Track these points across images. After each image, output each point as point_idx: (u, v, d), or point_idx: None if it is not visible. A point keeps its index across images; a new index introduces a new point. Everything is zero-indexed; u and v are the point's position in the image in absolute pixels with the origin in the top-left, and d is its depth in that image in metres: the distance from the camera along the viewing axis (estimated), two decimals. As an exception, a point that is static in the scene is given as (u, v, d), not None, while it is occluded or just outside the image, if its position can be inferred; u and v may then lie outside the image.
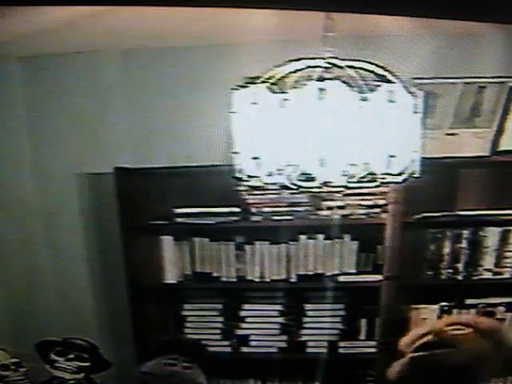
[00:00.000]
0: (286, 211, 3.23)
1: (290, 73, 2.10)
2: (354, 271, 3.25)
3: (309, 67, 2.10)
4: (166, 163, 3.16)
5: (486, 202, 3.15)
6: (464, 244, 3.19)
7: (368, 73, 2.09)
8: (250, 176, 2.17)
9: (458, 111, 3.10)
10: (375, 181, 2.14)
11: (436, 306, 3.21)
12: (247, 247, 3.30)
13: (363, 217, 3.19)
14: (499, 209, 3.11)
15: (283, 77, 2.10)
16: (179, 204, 3.26)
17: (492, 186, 3.16)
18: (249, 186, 2.24)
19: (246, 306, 3.35)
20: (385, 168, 2.09)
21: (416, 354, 1.40)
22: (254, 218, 3.25)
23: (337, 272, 3.26)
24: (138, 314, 3.31)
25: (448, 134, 3.10)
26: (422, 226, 3.17)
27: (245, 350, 3.35)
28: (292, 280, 3.29)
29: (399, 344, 1.54)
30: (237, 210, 3.24)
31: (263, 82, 2.11)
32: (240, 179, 2.20)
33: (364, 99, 2.03)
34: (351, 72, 2.07)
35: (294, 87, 2.07)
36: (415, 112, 2.11)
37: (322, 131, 2.04)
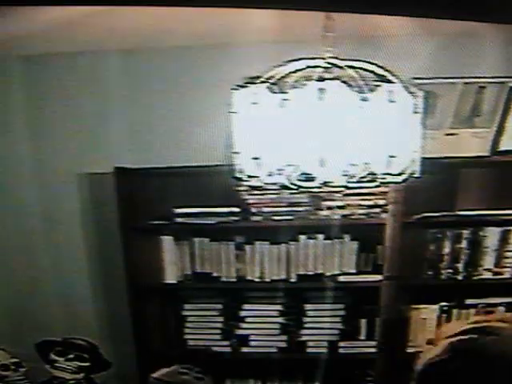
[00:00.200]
0: (285, 211, 3.23)
1: (290, 73, 2.10)
2: (354, 271, 3.25)
3: (309, 67, 2.10)
4: (166, 163, 3.16)
5: (486, 202, 3.15)
6: (464, 244, 3.19)
7: (368, 73, 2.09)
8: (250, 176, 2.16)
9: (458, 111, 3.10)
10: (375, 181, 2.14)
11: (436, 306, 3.21)
12: (247, 247, 3.30)
13: (363, 217, 3.19)
14: (499, 209, 3.11)
15: (283, 77, 2.10)
16: (179, 204, 3.26)
17: (492, 186, 3.16)
18: (249, 185, 2.24)
19: (246, 306, 3.35)
20: (385, 168, 2.09)
21: (458, 338, 1.37)
22: (254, 218, 3.25)
23: (337, 272, 3.25)
24: (137, 314, 3.31)
25: (448, 134, 3.10)
26: (422, 225, 3.17)
27: (245, 350, 3.35)
28: (292, 280, 3.28)
29: (437, 337, 1.51)
30: (237, 209, 3.24)
31: (263, 82, 2.11)
32: (240, 179, 2.20)
33: (364, 99, 2.03)
34: (351, 72, 2.06)
35: (294, 87, 2.07)
36: (415, 112, 2.11)
37: (322, 131, 2.04)
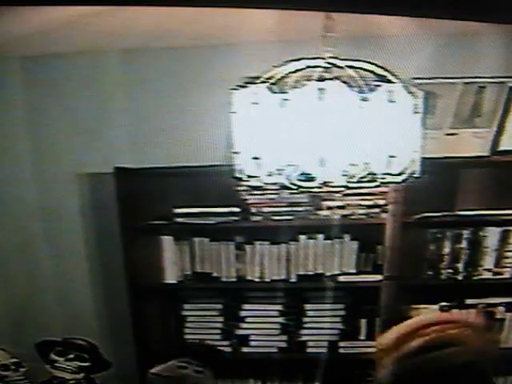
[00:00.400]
0: (285, 211, 3.23)
1: (290, 73, 2.10)
2: (354, 271, 3.25)
3: (309, 67, 2.10)
4: (166, 163, 3.16)
5: (485, 202, 3.15)
6: (464, 244, 3.19)
7: (368, 73, 2.09)
8: (250, 176, 2.16)
9: (458, 111, 3.10)
10: (375, 181, 2.14)
11: (436, 306, 3.21)
12: (247, 247, 3.30)
13: (363, 217, 3.19)
14: (499, 209, 3.11)
15: (283, 77, 2.10)
16: (179, 204, 3.26)
17: (492, 185, 3.16)
18: (249, 185, 2.24)
19: (246, 306, 3.35)
20: (385, 168, 2.09)
21: (415, 357, 1.36)
22: (254, 218, 3.25)
23: (337, 272, 3.26)
24: (138, 314, 3.31)
25: (448, 134, 3.10)
26: (422, 225, 3.17)
27: (245, 350, 3.35)
28: (292, 280, 3.28)
29: (378, 345, 1.50)
30: (237, 209, 3.24)
31: (263, 82, 2.11)
32: (240, 179, 2.20)
33: (364, 99, 2.03)
34: (351, 72, 2.07)
35: (294, 87, 2.07)
36: (415, 112, 2.11)
37: (322, 131, 2.04)
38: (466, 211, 3.14)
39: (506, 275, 3.17)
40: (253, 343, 3.35)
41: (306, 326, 3.32)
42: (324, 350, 3.26)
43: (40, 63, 3.29)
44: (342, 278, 3.25)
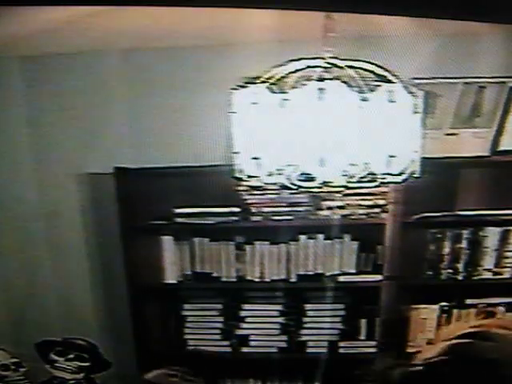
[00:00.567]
0: (285, 211, 3.23)
1: (290, 73, 2.10)
2: (354, 271, 3.25)
3: (309, 67, 2.10)
4: (166, 163, 3.16)
5: (485, 202, 3.15)
6: (464, 244, 3.19)
7: (368, 73, 2.09)
8: (250, 176, 2.17)
9: (458, 111, 3.10)
10: (375, 181, 2.14)
11: (436, 306, 3.21)
12: (247, 247, 3.30)
13: (363, 217, 3.19)
14: (499, 209, 3.11)
15: (283, 77, 2.10)
16: (179, 204, 3.26)
17: (492, 185, 3.16)
18: (249, 185, 2.24)
19: (246, 306, 3.35)
20: (385, 168, 2.09)
21: (456, 341, 1.36)
22: (254, 218, 3.25)
23: (337, 272, 3.25)
24: (137, 314, 3.31)
25: (448, 134, 3.10)
26: (422, 225, 3.17)
27: (245, 349, 3.35)
28: (292, 280, 3.28)
29: (436, 338, 1.50)
30: (237, 209, 3.24)
31: (263, 82, 2.11)
32: (240, 179, 2.20)
33: (364, 99, 2.03)
34: (351, 72, 2.07)
35: (294, 87, 2.07)
36: (415, 112, 2.11)
37: (322, 131, 2.04)
38: (465, 211, 3.14)
39: (506, 275, 3.17)
40: (253, 343, 3.35)
41: (305, 326, 3.31)
42: (324, 350, 3.26)
43: (40, 63, 3.28)
44: (342, 278, 3.25)
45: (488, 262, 3.17)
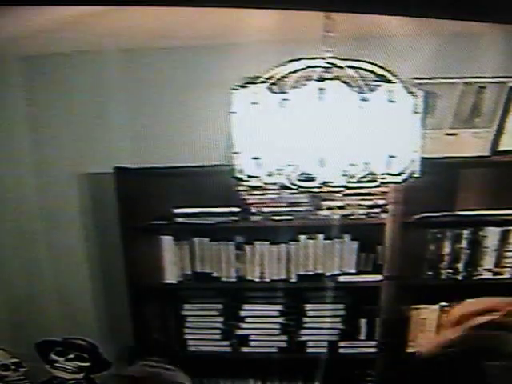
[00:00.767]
0: (285, 211, 3.23)
1: (290, 73, 2.10)
2: (354, 271, 3.25)
3: (309, 67, 2.10)
4: (166, 163, 3.16)
5: (485, 202, 3.15)
6: (464, 244, 3.19)
7: (368, 73, 2.09)
8: (250, 176, 2.17)
9: (458, 111, 3.10)
10: (375, 181, 2.14)
11: (436, 306, 3.21)
12: (247, 247, 3.30)
13: (363, 217, 3.19)
14: (499, 209, 3.11)
15: (283, 77, 2.10)
16: (179, 204, 3.26)
17: (492, 185, 3.16)
18: (249, 185, 2.24)
19: (246, 306, 3.35)
20: (385, 168, 2.09)
21: (479, 330, 1.35)
22: (254, 218, 3.25)
23: (337, 272, 3.26)
24: (137, 314, 3.31)
25: (448, 134, 3.10)
26: (422, 225, 3.17)
27: (245, 349, 3.35)
28: (292, 280, 3.29)
29: (452, 312, 1.48)
30: (237, 209, 3.24)
31: (263, 82, 2.11)
32: (240, 179, 2.20)
33: (364, 99, 2.03)
34: (351, 72, 2.06)
35: (294, 87, 2.07)
36: (415, 112, 2.11)
37: (322, 131, 2.04)
38: (465, 211, 3.14)
39: (506, 275, 3.17)
40: (253, 343, 3.35)
41: (305, 326, 3.32)
42: (324, 350, 3.26)
43: (40, 63, 3.29)
44: (342, 278, 3.25)
45: (488, 262, 3.17)
